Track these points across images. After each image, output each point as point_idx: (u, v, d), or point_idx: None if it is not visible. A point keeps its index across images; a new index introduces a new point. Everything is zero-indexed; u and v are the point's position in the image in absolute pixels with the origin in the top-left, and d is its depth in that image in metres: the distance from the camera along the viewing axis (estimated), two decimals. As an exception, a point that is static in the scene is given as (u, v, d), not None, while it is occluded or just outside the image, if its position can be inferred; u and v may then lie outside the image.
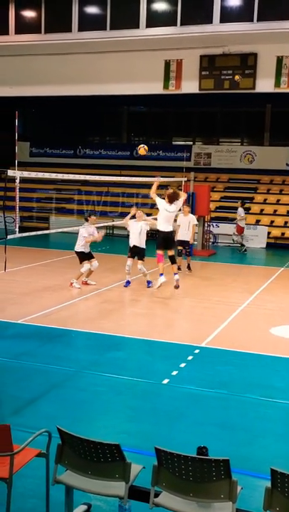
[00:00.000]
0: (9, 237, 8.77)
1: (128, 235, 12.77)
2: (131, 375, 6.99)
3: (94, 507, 4.17)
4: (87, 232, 12.08)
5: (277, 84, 16.90)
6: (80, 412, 5.89)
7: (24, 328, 8.93)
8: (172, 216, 11.50)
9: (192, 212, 17.09)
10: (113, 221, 16.48)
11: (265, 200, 23.50)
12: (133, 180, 16.99)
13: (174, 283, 11.32)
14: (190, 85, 17.92)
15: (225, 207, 22.96)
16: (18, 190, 9.38)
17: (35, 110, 29.97)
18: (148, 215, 18.44)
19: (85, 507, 4.11)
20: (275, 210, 22.72)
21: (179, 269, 13.97)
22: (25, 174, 10.09)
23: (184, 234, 13.94)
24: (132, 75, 18.34)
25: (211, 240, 20.16)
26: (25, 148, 28.49)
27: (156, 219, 11.77)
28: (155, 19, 16.99)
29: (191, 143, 27.37)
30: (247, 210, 21.17)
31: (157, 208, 11.56)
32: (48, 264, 15.21)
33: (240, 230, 19.66)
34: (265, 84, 17.17)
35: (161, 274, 11.25)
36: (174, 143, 28.19)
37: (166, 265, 11.68)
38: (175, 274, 11.40)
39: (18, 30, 18.39)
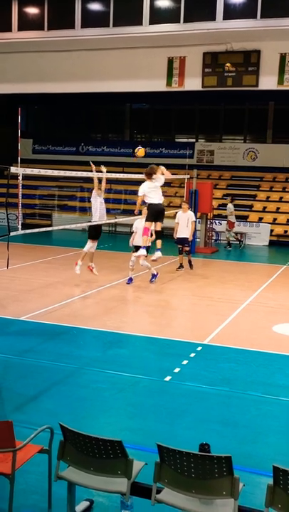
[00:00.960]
0: (12, 234, 8.75)
1: (131, 232, 12.77)
2: (133, 372, 6.99)
3: (96, 503, 4.18)
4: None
5: (281, 81, 16.87)
6: (82, 409, 5.90)
7: (27, 325, 8.95)
8: (157, 188, 11.19)
9: (195, 209, 17.10)
10: (116, 218, 16.46)
11: (268, 197, 23.46)
12: (136, 177, 16.94)
13: (154, 257, 10.92)
14: (193, 82, 17.90)
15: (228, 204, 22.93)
16: (20, 187, 9.37)
17: (37, 107, 29.96)
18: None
19: (87, 503, 4.12)
20: (278, 208, 22.68)
21: (181, 266, 13.99)
22: (28, 171, 10.08)
23: (183, 231, 13.84)
24: (134, 72, 18.32)
25: (214, 238, 20.14)
26: (28, 146, 28.48)
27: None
28: (158, 16, 16.97)
29: (194, 140, 27.32)
30: (238, 207, 21.20)
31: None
32: (51, 261, 15.22)
33: (231, 226, 19.67)
34: (268, 82, 17.14)
35: (158, 249, 10.93)
36: (176, 140, 28.14)
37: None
38: (158, 249, 11.00)
39: (21, 27, 18.39)
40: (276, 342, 8.52)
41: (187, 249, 14.01)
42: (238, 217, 21.86)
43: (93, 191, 12.39)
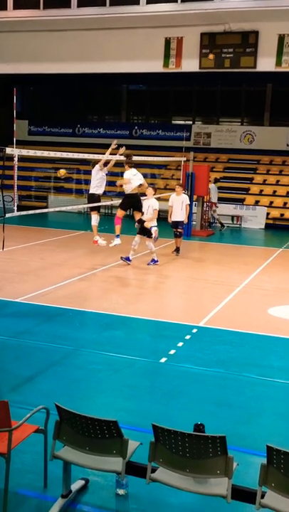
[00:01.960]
0: (7, 215, 8.72)
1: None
2: (129, 353, 7.02)
3: (91, 482, 4.22)
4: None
5: (279, 63, 16.69)
6: (78, 390, 5.93)
7: (22, 306, 8.95)
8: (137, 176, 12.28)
9: (191, 192, 17.05)
10: (112, 200, 16.41)
11: (265, 180, 23.41)
12: (132, 159, 16.83)
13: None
14: (190, 63, 17.71)
15: (224, 187, 22.87)
16: (16, 168, 9.31)
17: (33, 88, 29.66)
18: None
19: (82, 482, 4.16)
20: (275, 191, 22.64)
21: (177, 249, 13.97)
22: (24, 152, 10.02)
23: (178, 214, 13.76)
24: (131, 52, 18.11)
25: (210, 221, 20.12)
26: (24, 127, 28.25)
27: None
28: (156, -5, 16.72)
29: (191, 122, 27.15)
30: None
31: None
32: (46, 243, 15.19)
33: (212, 206, 19.62)
34: (266, 63, 16.96)
35: (118, 236, 11.97)
36: (173, 122, 27.97)
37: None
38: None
39: (17, 6, 18.08)
40: (271, 324, 8.56)
41: (180, 231, 13.97)
42: (234, 200, 21.87)
43: (96, 166, 12.41)
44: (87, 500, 4.05)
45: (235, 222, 21.11)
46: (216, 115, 27.06)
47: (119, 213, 12.17)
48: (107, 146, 12.97)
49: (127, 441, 3.64)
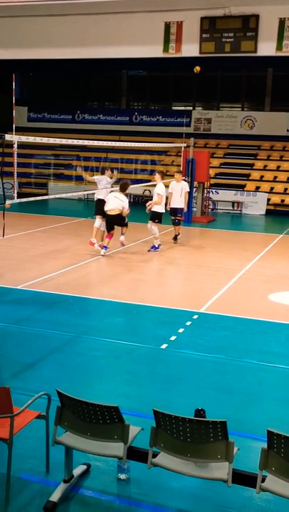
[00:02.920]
0: (7, 202, 8.72)
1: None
2: (130, 340, 7.04)
3: (93, 467, 4.25)
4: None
5: (279, 47, 16.52)
6: (79, 376, 5.95)
7: (23, 293, 8.97)
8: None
9: (191, 178, 17.01)
10: (112, 187, 16.36)
11: (265, 166, 23.33)
12: (132, 145, 16.82)
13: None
14: (190, 48, 17.54)
15: (225, 173, 22.81)
16: (16, 155, 9.27)
17: (32, 74, 29.47)
18: (147, 181, 18.35)
19: (84, 467, 4.19)
20: (275, 177, 22.58)
21: (175, 237, 13.91)
22: (24, 139, 9.97)
23: (177, 201, 13.70)
24: (131, 37, 17.94)
25: (210, 207, 20.09)
26: (23, 113, 28.12)
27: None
28: (155, -22, 16.53)
29: (191, 108, 27.00)
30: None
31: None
32: (47, 230, 15.17)
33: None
34: (266, 48, 16.79)
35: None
36: (173, 108, 27.82)
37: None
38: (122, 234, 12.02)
39: (14, -10, 17.89)
40: (272, 310, 8.58)
41: (181, 219, 13.94)
42: (235, 186, 21.83)
43: (106, 174, 12.45)
44: (89, 485, 4.08)
45: (235, 208, 21.09)
46: (216, 101, 26.90)
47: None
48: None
49: (128, 426, 3.66)
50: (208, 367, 6.39)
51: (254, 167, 23.41)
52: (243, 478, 3.59)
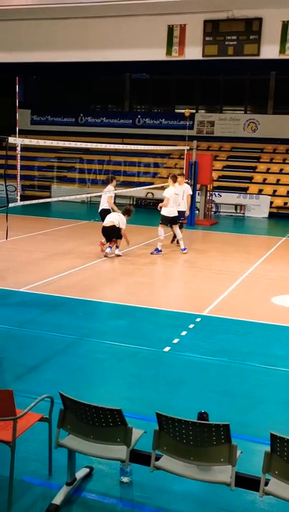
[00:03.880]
0: (11, 205, 8.73)
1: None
2: (132, 342, 7.04)
3: (96, 470, 4.25)
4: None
5: (282, 50, 16.56)
6: (81, 379, 5.95)
7: (26, 296, 8.97)
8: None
9: (194, 181, 17.01)
10: (115, 190, 16.36)
11: (268, 169, 23.30)
12: (135, 148, 16.83)
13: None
14: (193, 51, 17.60)
15: (227, 176, 22.80)
16: (19, 158, 9.29)
17: (36, 77, 29.53)
18: (150, 183, 18.36)
19: (87, 470, 4.19)
20: (278, 180, 22.55)
21: (174, 239, 13.88)
22: (27, 141, 9.98)
23: (179, 204, 13.73)
24: (134, 40, 18.00)
25: (213, 210, 20.07)
26: (26, 116, 28.15)
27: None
28: (158, -19, 16.58)
29: (194, 111, 27.00)
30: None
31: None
32: (50, 233, 15.19)
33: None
34: (269, 51, 16.84)
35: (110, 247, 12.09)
36: (176, 111, 27.82)
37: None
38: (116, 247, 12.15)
39: (18, -6, 17.97)
40: (274, 313, 8.56)
41: (183, 222, 13.91)
42: (237, 188, 21.82)
43: (110, 186, 12.73)
44: (91, 488, 4.07)
45: (238, 211, 21.05)
46: (219, 103, 26.91)
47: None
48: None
49: (131, 429, 3.65)
50: (211, 370, 6.38)
51: (257, 170, 23.39)
52: (246, 482, 3.58)
